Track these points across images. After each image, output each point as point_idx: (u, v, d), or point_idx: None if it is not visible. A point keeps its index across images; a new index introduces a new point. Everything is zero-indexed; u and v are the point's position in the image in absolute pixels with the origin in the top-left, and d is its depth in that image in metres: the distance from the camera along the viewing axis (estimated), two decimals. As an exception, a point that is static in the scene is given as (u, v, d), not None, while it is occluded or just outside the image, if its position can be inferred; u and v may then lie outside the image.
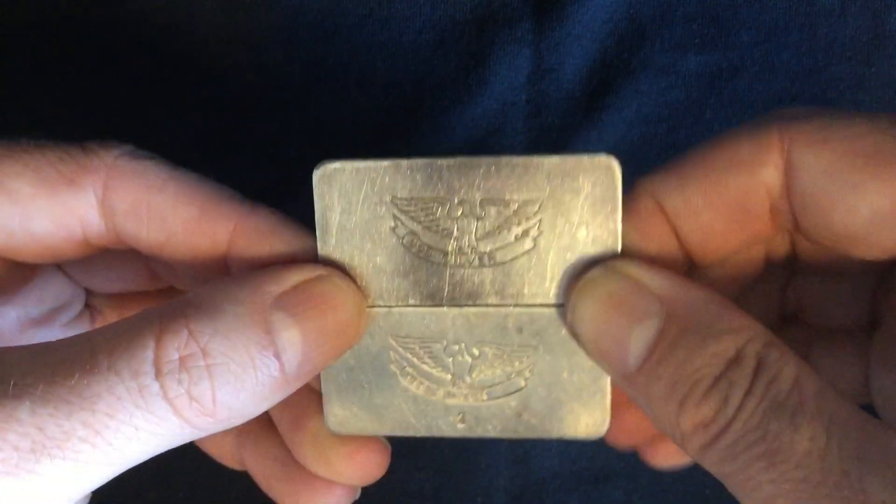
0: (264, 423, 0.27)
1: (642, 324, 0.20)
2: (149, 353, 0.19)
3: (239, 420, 0.21)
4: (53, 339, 0.20)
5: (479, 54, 0.32)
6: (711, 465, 0.19)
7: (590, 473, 0.36)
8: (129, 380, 0.19)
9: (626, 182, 0.22)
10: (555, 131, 0.32)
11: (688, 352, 0.19)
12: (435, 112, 0.32)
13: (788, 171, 0.21)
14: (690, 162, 0.22)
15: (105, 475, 0.19)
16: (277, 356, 0.20)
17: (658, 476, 0.36)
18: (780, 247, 0.25)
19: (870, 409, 0.24)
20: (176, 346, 0.19)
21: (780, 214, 0.22)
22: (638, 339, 0.20)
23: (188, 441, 0.20)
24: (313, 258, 0.23)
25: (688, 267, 0.23)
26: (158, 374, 0.19)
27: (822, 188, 0.20)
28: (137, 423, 0.19)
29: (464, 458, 0.36)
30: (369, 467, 0.25)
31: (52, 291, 0.26)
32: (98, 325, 0.28)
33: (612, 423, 0.24)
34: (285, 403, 0.25)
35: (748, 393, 0.18)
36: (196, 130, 0.33)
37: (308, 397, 0.25)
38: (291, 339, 0.21)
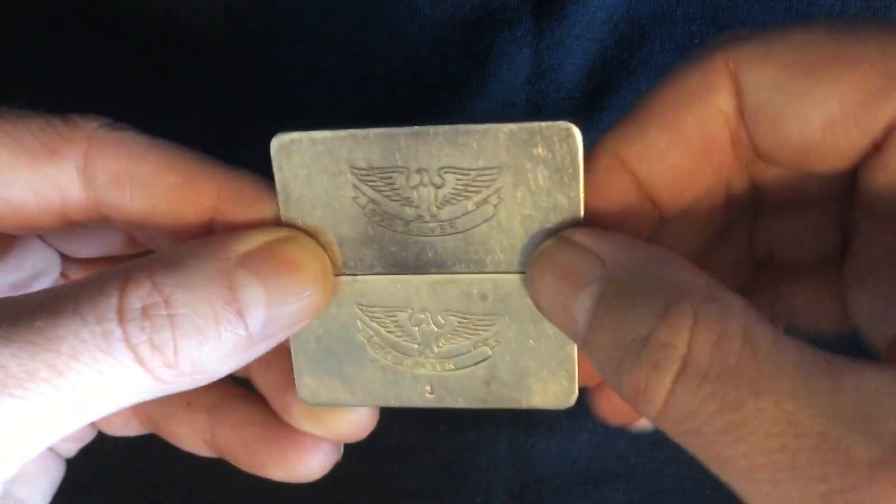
0: (238, 395, 0.27)
1: (584, 290, 0.19)
2: (112, 301, 0.19)
3: (203, 377, 0.21)
4: None
5: (479, 54, 0.32)
6: (672, 436, 0.18)
7: (590, 473, 0.36)
8: (93, 324, 0.19)
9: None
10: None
11: (620, 314, 0.18)
12: (434, 112, 0.32)
13: (739, 94, 0.20)
14: (643, 107, 0.22)
15: (68, 424, 0.19)
16: (240, 313, 0.20)
17: (658, 476, 0.36)
18: (741, 187, 0.24)
19: (853, 339, 0.24)
20: (139, 295, 0.19)
21: (739, 142, 0.21)
22: (581, 307, 0.19)
23: (154, 396, 0.20)
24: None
25: (657, 220, 0.23)
26: (122, 320, 0.19)
27: (773, 102, 0.20)
28: (101, 367, 0.19)
29: (464, 458, 0.36)
30: (359, 422, 0.25)
31: (30, 259, 0.26)
32: None
33: (600, 399, 0.24)
34: (270, 366, 0.25)
35: (688, 356, 0.17)
36: (193, 130, 0.33)
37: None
38: (255, 297, 0.20)
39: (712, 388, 0.16)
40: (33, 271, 0.27)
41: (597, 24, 0.31)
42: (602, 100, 0.32)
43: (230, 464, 0.27)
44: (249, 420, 0.26)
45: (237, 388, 0.27)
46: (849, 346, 0.20)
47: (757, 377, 0.16)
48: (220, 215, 0.23)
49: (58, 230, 0.24)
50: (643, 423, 0.25)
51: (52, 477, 0.28)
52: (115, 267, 0.20)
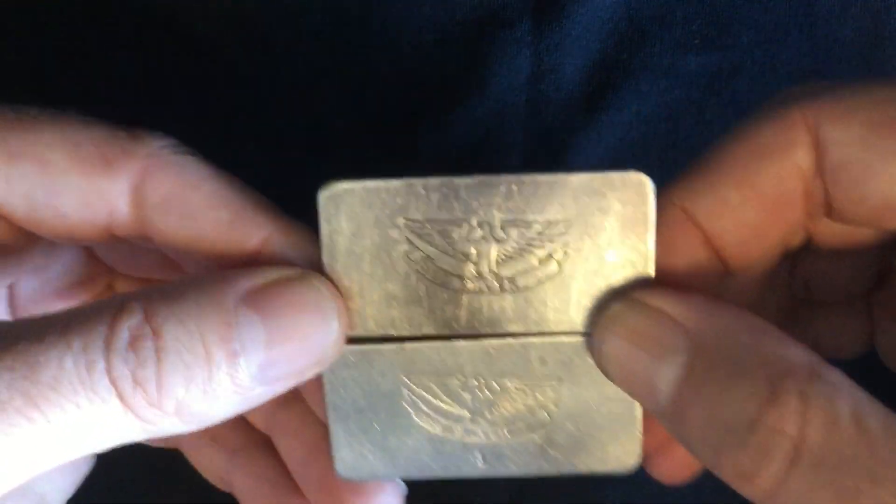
0: (262, 445, 0.26)
1: (668, 361, 0.19)
2: (102, 329, 0.18)
3: (192, 421, 0.19)
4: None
5: (479, 55, 0.32)
6: None
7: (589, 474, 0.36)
8: (78, 352, 0.17)
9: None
10: (555, 132, 0.32)
11: (717, 392, 0.17)
12: (434, 112, 0.32)
13: (819, 150, 0.20)
14: (716, 160, 0.21)
15: (45, 461, 0.18)
16: (236, 353, 0.19)
17: (658, 477, 0.36)
18: (794, 240, 0.23)
19: (864, 359, 0.24)
20: (129, 324, 0.18)
21: (812, 198, 0.21)
22: (665, 378, 0.19)
23: (140, 438, 0.19)
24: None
25: (722, 276, 0.22)
26: (107, 349, 0.18)
27: (857, 160, 0.20)
28: (80, 401, 0.17)
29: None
30: None
31: (75, 266, 0.26)
32: None
33: (660, 458, 0.23)
34: (296, 434, 0.25)
35: (801, 443, 0.16)
36: (194, 131, 0.33)
37: (321, 429, 0.24)
38: (254, 337, 0.19)
39: (828, 476, 0.16)
40: (78, 278, 0.26)
41: (597, 24, 0.31)
42: (602, 100, 0.32)
43: None
44: (265, 476, 0.25)
45: (262, 435, 0.27)
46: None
47: (873, 464, 0.16)
48: (262, 259, 0.22)
49: (99, 242, 0.24)
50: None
51: (78, 470, 0.28)
52: (120, 294, 0.20)
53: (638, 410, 0.22)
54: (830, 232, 0.23)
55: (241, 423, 0.27)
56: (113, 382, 0.18)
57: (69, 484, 0.28)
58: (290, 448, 0.25)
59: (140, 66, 0.33)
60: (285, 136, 0.33)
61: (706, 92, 0.32)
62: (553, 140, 0.33)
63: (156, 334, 0.18)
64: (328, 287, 0.21)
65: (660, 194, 0.21)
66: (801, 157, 0.20)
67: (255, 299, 0.19)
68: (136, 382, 0.18)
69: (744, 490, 0.17)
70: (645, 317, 0.20)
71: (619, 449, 0.22)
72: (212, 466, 0.27)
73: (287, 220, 0.22)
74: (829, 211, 0.21)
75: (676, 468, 0.24)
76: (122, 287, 0.28)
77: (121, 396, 0.18)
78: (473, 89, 0.32)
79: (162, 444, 0.29)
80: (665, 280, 0.21)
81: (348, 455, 0.23)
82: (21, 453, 0.17)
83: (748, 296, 0.23)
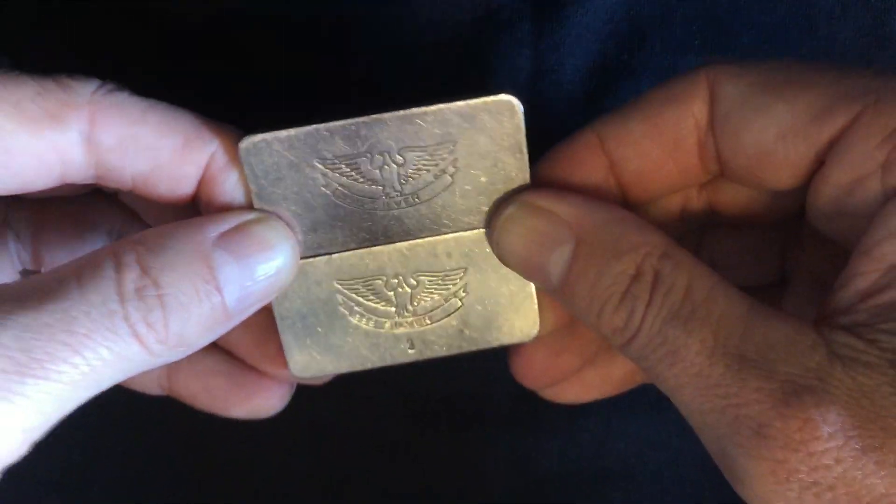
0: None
1: (557, 251, 0.23)
2: (111, 283, 0.21)
3: (186, 349, 0.23)
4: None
5: (479, 55, 0.32)
6: (630, 359, 0.23)
7: (589, 474, 0.36)
8: (99, 305, 0.21)
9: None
10: (555, 132, 0.32)
11: (597, 272, 0.22)
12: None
13: (712, 103, 0.24)
14: (632, 102, 0.25)
15: (79, 398, 0.21)
16: (219, 290, 0.22)
17: (657, 477, 0.36)
18: (697, 204, 0.27)
19: None
20: (131, 277, 0.21)
21: (706, 149, 0.24)
22: (555, 264, 0.23)
23: (147, 368, 0.22)
24: None
25: (619, 202, 0.26)
26: (121, 301, 0.21)
27: (738, 113, 0.23)
28: (109, 343, 0.21)
29: (464, 458, 0.36)
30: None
31: None
32: (11, 240, 0.29)
33: (521, 364, 0.28)
34: (246, 325, 0.27)
35: (648, 305, 0.22)
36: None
37: (266, 315, 0.27)
38: (231, 273, 0.23)
39: (659, 326, 0.21)
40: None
41: (597, 24, 0.31)
42: (602, 101, 0.32)
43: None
44: (210, 369, 0.29)
45: None
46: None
47: (690, 320, 0.21)
48: (215, 169, 0.24)
49: (51, 192, 0.25)
50: (562, 395, 0.29)
51: None
52: (99, 251, 0.22)
53: (531, 287, 0.26)
54: (729, 199, 0.27)
55: None
56: (131, 326, 0.21)
57: None
58: (241, 336, 0.28)
59: (132, 61, 0.33)
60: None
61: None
62: (553, 140, 0.33)
63: (155, 284, 0.21)
64: (282, 223, 0.25)
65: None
66: (697, 107, 0.24)
67: (227, 242, 0.23)
68: (149, 324, 0.21)
69: (613, 340, 0.22)
70: (536, 216, 0.24)
71: (521, 322, 0.27)
72: (148, 379, 0.29)
73: (233, 130, 0.25)
74: (720, 166, 0.25)
75: (533, 370, 0.28)
76: (16, 221, 0.29)
77: (137, 336, 0.21)
78: (473, 90, 0.32)
79: None
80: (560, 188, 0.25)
81: (299, 357, 0.27)
82: (69, 394, 0.20)
83: None
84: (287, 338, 0.26)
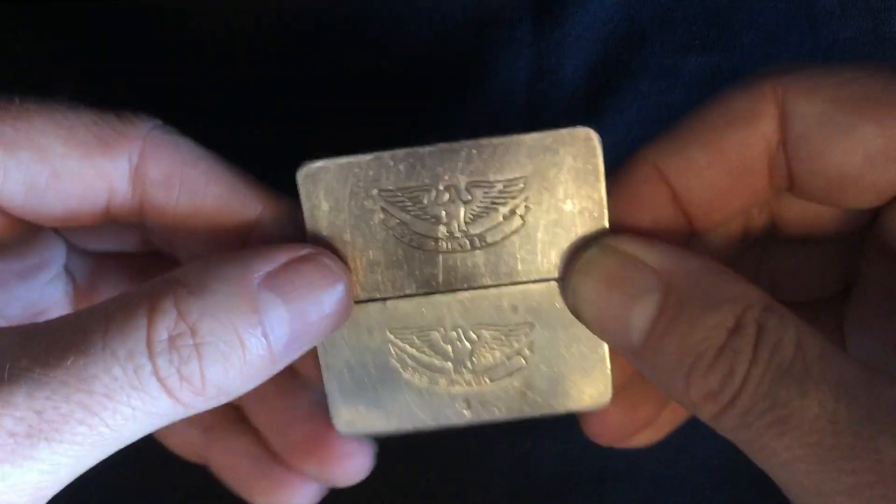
0: (235, 419, 0.27)
1: (642, 300, 0.20)
2: (142, 333, 0.19)
3: (226, 398, 0.21)
4: (35, 296, 0.20)
5: (479, 55, 0.32)
6: (725, 431, 0.19)
7: (590, 474, 0.36)
8: (124, 360, 0.19)
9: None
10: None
11: (689, 325, 0.20)
12: (434, 113, 0.32)
13: (784, 121, 0.21)
14: (688, 124, 0.23)
15: (100, 456, 0.19)
16: (265, 336, 0.20)
17: (658, 477, 0.36)
18: (760, 219, 0.25)
19: None
20: (166, 325, 0.19)
21: (776, 170, 0.22)
22: (639, 316, 0.20)
23: (181, 418, 0.20)
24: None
25: (687, 237, 0.24)
26: (151, 354, 0.19)
27: (818, 133, 0.21)
28: (134, 403, 0.19)
29: (464, 459, 0.36)
30: (358, 470, 0.26)
31: (36, 248, 0.26)
32: (73, 287, 0.28)
33: (596, 425, 0.25)
34: (273, 407, 0.26)
35: (753, 362, 0.19)
36: (191, 130, 0.33)
37: (297, 394, 0.25)
38: (279, 318, 0.21)
39: (767, 387, 0.18)
40: (38, 259, 0.27)
41: (597, 25, 0.31)
42: (602, 101, 0.32)
43: None
44: (242, 450, 0.27)
45: (233, 409, 0.27)
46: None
47: (805, 378, 0.18)
48: (258, 232, 0.23)
49: (91, 225, 0.24)
50: (636, 442, 0.26)
51: None
52: (136, 290, 0.20)
53: (604, 349, 0.24)
54: (794, 214, 0.24)
55: None
56: (161, 382, 0.19)
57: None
58: (268, 415, 0.26)
59: (131, 59, 0.33)
60: (283, 136, 0.33)
61: (706, 93, 0.32)
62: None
63: (193, 332, 0.19)
64: (336, 262, 0.22)
65: (635, 153, 0.23)
66: (766, 127, 0.22)
67: (275, 282, 0.21)
68: (182, 378, 0.19)
69: (705, 409, 0.19)
70: (618, 261, 0.21)
71: (591, 388, 0.24)
72: (186, 445, 0.28)
73: (277, 194, 0.24)
74: (792, 185, 0.22)
75: (608, 427, 0.26)
76: (77, 268, 0.28)
77: (169, 392, 0.19)
78: (473, 89, 0.32)
79: None
80: (630, 230, 0.23)
81: (345, 412, 0.24)
82: (85, 455, 0.19)
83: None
84: (332, 389, 0.24)
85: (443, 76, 0.32)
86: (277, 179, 0.33)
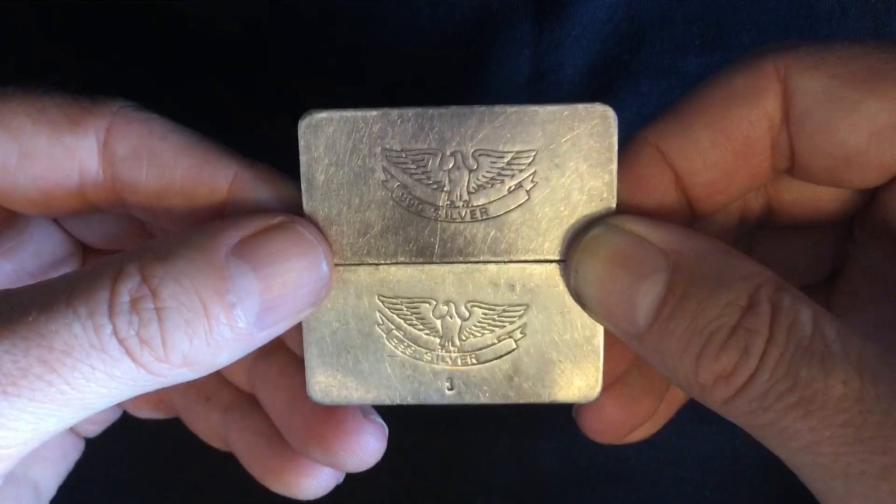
0: (253, 400, 0.27)
1: (649, 280, 0.20)
2: (104, 293, 0.19)
3: (200, 369, 0.20)
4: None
5: (479, 55, 0.32)
6: (737, 416, 0.19)
7: (589, 474, 0.36)
8: (84, 318, 0.19)
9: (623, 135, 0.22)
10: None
11: (699, 303, 0.19)
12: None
13: (787, 98, 0.21)
14: (689, 103, 0.22)
15: (63, 419, 0.19)
16: (233, 305, 0.20)
17: (657, 477, 0.36)
18: (756, 204, 0.24)
19: None
20: (128, 287, 0.19)
21: (778, 149, 0.22)
22: (646, 296, 0.20)
23: (153, 388, 0.20)
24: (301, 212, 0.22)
25: (688, 218, 0.23)
26: (111, 314, 0.19)
27: (822, 109, 0.20)
28: (93, 362, 0.19)
29: (464, 459, 0.36)
30: (368, 454, 0.25)
31: (48, 246, 0.26)
32: None
33: (592, 420, 0.24)
34: (276, 386, 0.25)
35: (770, 340, 0.18)
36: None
37: (299, 378, 0.25)
38: (248, 287, 0.20)
39: (787, 367, 0.17)
40: (52, 259, 0.27)
41: (597, 24, 0.31)
42: (602, 101, 0.32)
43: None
44: (257, 429, 0.26)
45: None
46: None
47: (826, 357, 0.17)
48: (232, 199, 0.23)
49: (73, 211, 0.24)
50: (631, 438, 0.26)
51: (68, 458, 0.29)
52: (114, 255, 0.20)
53: (598, 339, 0.23)
54: (791, 197, 0.24)
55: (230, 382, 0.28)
56: (121, 342, 0.19)
57: (62, 470, 0.28)
58: (272, 398, 0.25)
59: (131, 58, 0.33)
60: (282, 136, 0.33)
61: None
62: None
63: (154, 295, 0.19)
64: (312, 231, 0.21)
65: (635, 133, 0.22)
66: (769, 104, 0.21)
67: (245, 250, 0.20)
68: (143, 341, 0.19)
69: (716, 393, 0.18)
70: (625, 240, 0.21)
71: (581, 379, 0.23)
72: (209, 427, 0.27)
73: (251, 161, 0.23)
74: (793, 166, 0.22)
75: (603, 423, 0.25)
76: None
77: (130, 354, 0.19)
78: (473, 90, 0.32)
79: (160, 415, 0.29)
80: (634, 213, 0.22)
81: (322, 379, 0.23)
82: (45, 414, 0.19)
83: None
84: (311, 354, 0.23)
85: (443, 76, 0.32)
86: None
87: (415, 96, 0.32)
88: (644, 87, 0.32)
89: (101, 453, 0.30)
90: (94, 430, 0.29)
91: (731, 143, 0.21)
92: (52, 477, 0.28)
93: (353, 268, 0.22)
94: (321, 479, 0.25)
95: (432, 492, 0.36)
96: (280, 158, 0.33)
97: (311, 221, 0.22)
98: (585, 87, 0.32)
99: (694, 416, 0.32)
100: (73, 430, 0.29)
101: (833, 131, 0.20)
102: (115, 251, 0.28)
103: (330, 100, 0.33)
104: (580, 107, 0.21)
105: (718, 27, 0.31)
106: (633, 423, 0.25)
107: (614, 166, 0.21)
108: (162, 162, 0.22)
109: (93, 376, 0.19)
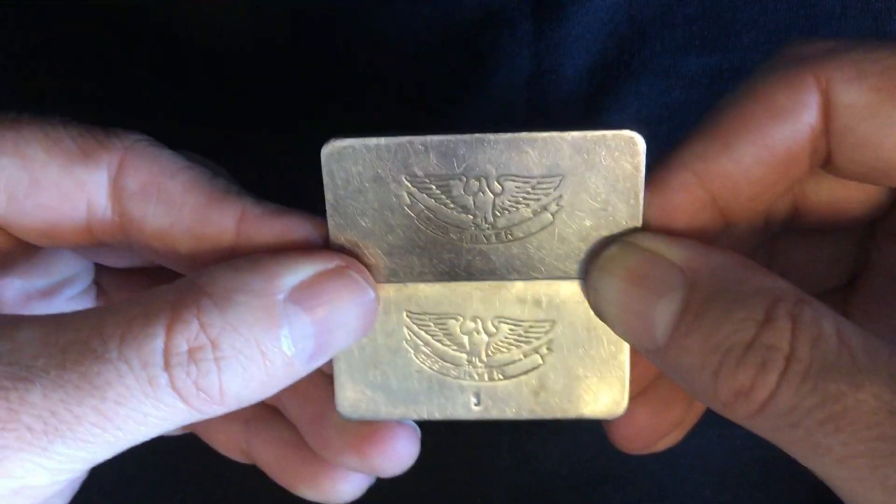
0: (274, 410, 0.27)
1: (665, 297, 0.20)
2: (158, 343, 0.19)
3: (246, 404, 0.21)
4: (58, 312, 0.20)
5: (479, 55, 0.32)
6: (765, 432, 0.18)
7: (590, 475, 0.36)
8: (138, 370, 0.19)
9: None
10: (555, 132, 0.32)
11: (715, 320, 0.19)
12: (434, 113, 0.32)
13: (828, 111, 0.21)
14: (728, 121, 0.21)
15: (111, 453, 0.20)
16: (289, 349, 0.20)
17: (658, 478, 0.36)
18: (779, 206, 0.24)
19: None
20: (186, 337, 0.19)
21: (816, 154, 0.21)
22: (663, 313, 0.20)
23: (196, 421, 0.20)
24: (325, 241, 0.22)
25: (720, 232, 0.23)
26: (167, 365, 0.19)
27: (865, 125, 0.20)
28: (146, 410, 0.19)
29: (464, 459, 0.36)
30: (404, 457, 0.25)
31: (58, 264, 0.26)
32: (102, 301, 0.28)
33: (622, 430, 0.24)
34: (305, 398, 0.25)
35: (791, 356, 0.18)
36: (191, 129, 0.33)
37: (328, 389, 0.25)
38: (304, 332, 0.20)
39: (814, 383, 0.17)
40: (62, 277, 0.27)
41: (597, 24, 0.31)
42: (602, 101, 0.32)
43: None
44: (283, 439, 0.26)
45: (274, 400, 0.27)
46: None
47: (854, 371, 0.17)
48: (243, 236, 0.23)
49: (78, 245, 0.24)
50: (660, 447, 0.25)
51: (78, 480, 0.28)
52: (160, 293, 0.20)
53: (624, 356, 0.23)
54: (820, 197, 0.24)
55: None
56: (176, 392, 0.19)
57: (69, 490, 0.28)
58: (300, 409, 0.26)
59: (131, 60, 0.33)
60: (282, 136, 0.33)
61: (707, 93, 0.32)
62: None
63: (214, 345, 0.19)
64: (364, 273, 0.22)
65: (671, 155, 0.22)
66: (811, 118, 0.21)
67: (301, 297, 0.21)
68: (199, 389, 0.19)
69: (737, 409, 0.18)
70: (640, 257, 0.21)
71: (606, 394, 0.23)
72: (230, 441, 0.27)
73: (258, 199, 0.23)
74: (828, 164, 0.22)
75: (634, 433, 0.25)
76: (107, 283, 0.28)
77: (186, 401, 0.20)
78: (473, 89, 0.32)
79: (182, 431, 0.29)
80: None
81: (351, 394, 0.24)
82: (98, 450, 0.19)
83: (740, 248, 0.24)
84: (340, 370, 0.23)
85: (443, 76, 0.32)
86: (277, 179, 0.33)
87: (415, 97, 0.33)
88: (644, 86, 0.32)
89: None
90: None
91: (775, 157, 0.21)
92: (58, 498, 0.28)
93: (381, 285, 0.23)
94: (356, 483, 0.26)
95: (432, 492, 0.36)
96: (278, 156, 0.33)
97: (337, 247, 0.22)
98: (585, 87, 0.32)
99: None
100: None
101: (875, 147, 0.20)
102: (126, 269, 0.28)
103: (330, 100, 0.33)
104: (608, 133, 0.21)
105: (719, 27, 0.31)
106: (664, 430, 0.25)
107: (641, 192, 0.21)
108: (170, 199, 0.22)
109: (144, 421, 0.19)
